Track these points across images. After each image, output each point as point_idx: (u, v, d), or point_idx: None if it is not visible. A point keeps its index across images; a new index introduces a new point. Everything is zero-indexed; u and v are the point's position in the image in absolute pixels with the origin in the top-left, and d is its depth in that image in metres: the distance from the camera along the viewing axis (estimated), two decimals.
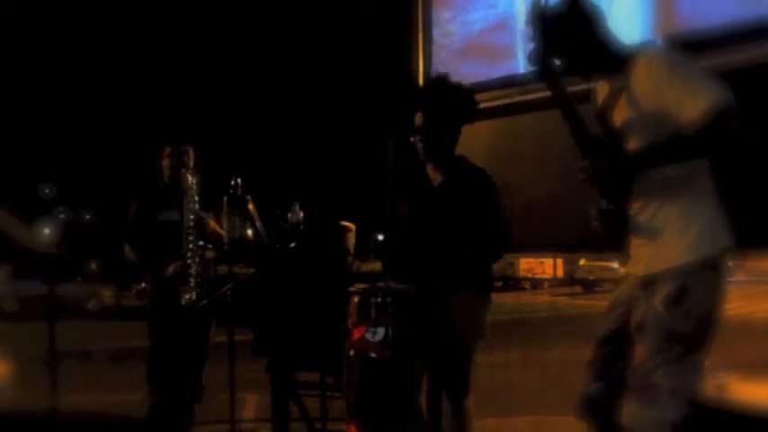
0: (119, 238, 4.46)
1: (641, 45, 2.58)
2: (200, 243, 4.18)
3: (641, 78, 2.43)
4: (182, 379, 4.19)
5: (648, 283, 2.48)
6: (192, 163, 4.34)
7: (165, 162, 4.37)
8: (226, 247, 4.33)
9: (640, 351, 2.47)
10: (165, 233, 4.22)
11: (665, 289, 2.42)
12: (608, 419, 2.56)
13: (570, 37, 2.54)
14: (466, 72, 5.18)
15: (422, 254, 3.49)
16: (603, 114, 2.57)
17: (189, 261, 4.14)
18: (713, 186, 2.50)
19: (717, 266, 2.44)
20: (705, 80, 2.33)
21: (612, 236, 2.56)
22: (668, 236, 2.45)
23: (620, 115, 2.52)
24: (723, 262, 2.46)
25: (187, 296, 4.09)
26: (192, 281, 4.12)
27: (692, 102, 2.29)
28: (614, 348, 2.62)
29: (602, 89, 2.66)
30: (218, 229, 4.27)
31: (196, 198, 4.21)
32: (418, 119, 3.52)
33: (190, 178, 4.22)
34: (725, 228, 2.48)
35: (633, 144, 2.45)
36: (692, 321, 2.40)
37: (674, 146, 2.38)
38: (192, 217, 4.18)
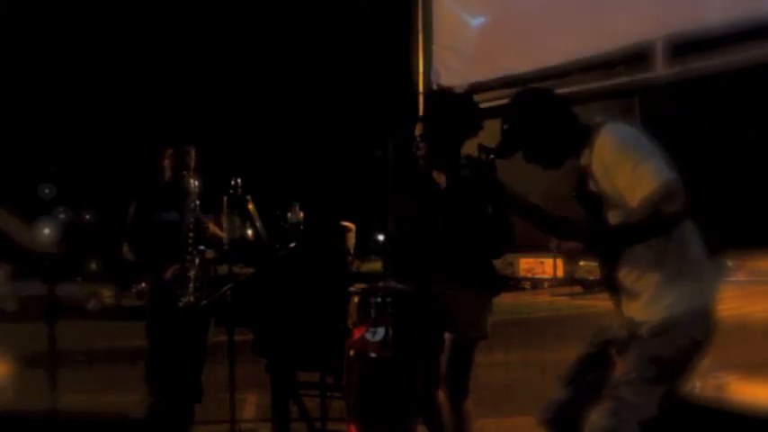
0: (118, 238, 4.45)
1: (598, 123, 2.59)
2: (201, 247, 4.17)
3: (597, 163, 2.51)
4: (181, 379, 4.19)
5: (637, 325, 2.56)
6: (193, 164, 4.33)
7: (167, 162, 4.36)
8: (226, 247, 4.32)
9: (618, 368, 2.55)
10: (164, 233, 4.22)
11: (650, 323, 2.51)
12: (568, 428, 2.58)
13: (538, 135, 2.66)
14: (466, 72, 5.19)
15: (428, 254, 3.50)
16: (580, 187, 2.64)
17: (188, 264, 4.13)
18: (698, 248, 2.55)
19: (704, 315, 2.51)
20: (649, 163, 2.38)
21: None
22: (653, 296, 2.52)
23: (594, 188, 2.59)
24: (710, 313, 2.52)
25: (185, 299, 4.06)
26: (191, 284, 4.10)
27: (638, 190, 2.37)
28: (592, 363, 2.69)
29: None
30: (217, 231, 4.26)
31: (197, 201, 4.20)
32: (419, 129, 3.52)
33: (191, 180, 4.21)
34: (709, 285, 2.56)
35: (611, 215, 2.53)
36: (674, 349, 2.47)
37: (622, 233, 2.47)
38: (192, 219, 4.17)
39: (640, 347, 2.50)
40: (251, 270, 4.29)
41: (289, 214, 4.23)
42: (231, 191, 4.09)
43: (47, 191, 19.89)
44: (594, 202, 2.56)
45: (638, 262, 2.53)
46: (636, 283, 2.56)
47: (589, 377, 2.65)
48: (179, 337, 4.14)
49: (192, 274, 4.11)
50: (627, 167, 2.40)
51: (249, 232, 4.29)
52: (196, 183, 4.20)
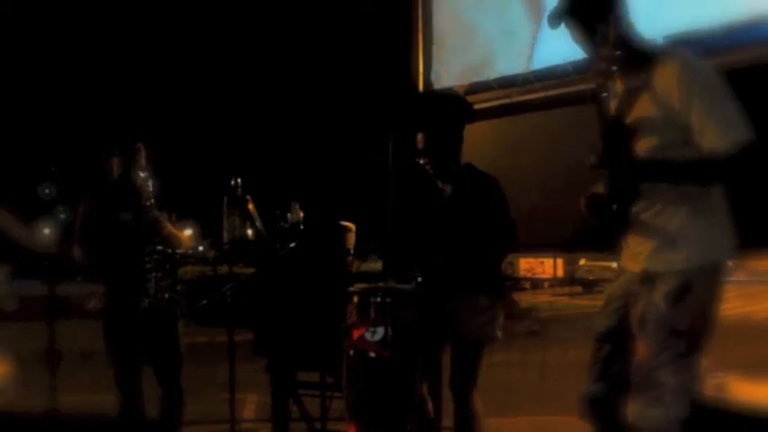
0: (69, 241, 4.26)
1: (669, 46, 2.53)
2: (159, 247, 4.02)
3: (669, 83, 2.37)
4: (160, 383, 4.08)
5: (648, 279, 2.48)
6: (144, 162, 4.08)
7: (115, 161, 4.18)
8: (226, 247, 4.30)
9: (642, 348, 2.47)
10: (117, 234, 4.05)
11: (666, 286, 2.43)
12: (611, 419, 2.57)
13: (600, 18, 2.48)
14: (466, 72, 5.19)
15: (435, 260, 3.50)
16: (620, 111, 2.51)
17: (148, 265, 4.00)
18: (723, 196, 2.48)
19: (716, 272, 2.45)
20: (734, 112, 2.32)
21: (602, 230, 2.56)
22: (671, 237, 2.44)
23: (635, 113, 2.47)
24: (722, 269, 2.46)
25: (147, 300, 3.95)
26: (152, 286, 3.98)
27: (720, 131, 2.30)
28: (613, 346, 2.63)
29: (612, 87, 2.59)
30: (173, 230, 4.09)
31: (152, 199, 4.02)
32: (420, 141, 3.52)
33: (142, 176, 4.02)
34: (727, 240, 2.48)
35: (644, 143, 2.43)
36: (691, 319, 2.41)
37: (695, 169, 2.38)
38: (148, 219, 3.99)
39: (662, 322, 2.41)
40: (251, 270, 4.29)
41: (289, 214, 4.23)
42: (231, 191, 4.07)
43: (47, 191, 19.88)
44: (622, 130, 2.45)
45: (662, 194, 2.43)
46: (656, 217, 2.45)
47: (616, 367, 2.60)
48: (142, 340, 4.01)
49: (152, 275, 3.98)
50: (708, 102, 2.31)
51: (249, 232, 4.28)
52: (149, 181, 4.01)
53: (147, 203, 3.93)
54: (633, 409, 2.45)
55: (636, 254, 2.54)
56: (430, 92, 3.58)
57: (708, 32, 3.77)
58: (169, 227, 4.03)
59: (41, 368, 4.20)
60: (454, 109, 3.64)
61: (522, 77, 4.80)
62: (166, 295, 3.99)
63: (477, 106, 4.83)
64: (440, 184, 3.56)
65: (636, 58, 2.47)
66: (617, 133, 2.47)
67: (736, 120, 2.31)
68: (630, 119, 2.47)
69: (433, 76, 5.28)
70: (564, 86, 4.41)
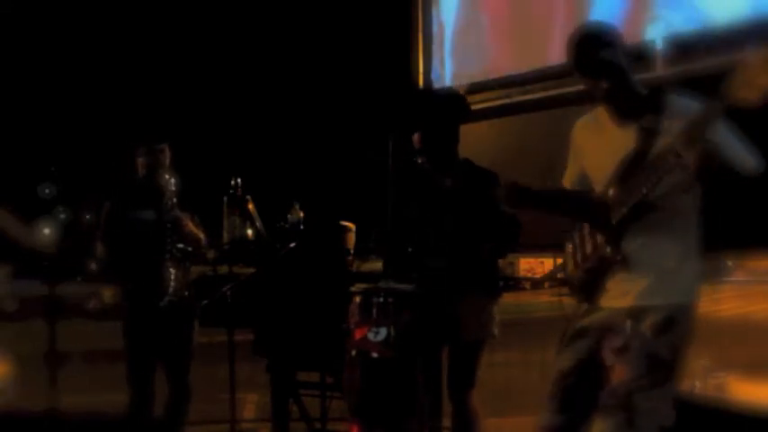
0: (93, 238, 4.33)
1: (665, 91, 2.57)
2: (179, 245, 4.08)
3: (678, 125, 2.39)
4: (169, 379, 4.12)
5: (637, 313, 2.53)
6: (167, 162, 4.22)
7: (141, 161, 4.25)
8: (226, 247, 4.31)
9: (621, 372, 2.52)
10: (140, 232, 4.11)
11: (654, 318, 2.49)
12: None
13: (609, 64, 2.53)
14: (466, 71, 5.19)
15: (432, 257, 3.49)
16: (641, 154, 2.52)
17: (168, 263, 4.05)
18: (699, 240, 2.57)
19: (694, 311, 2.54)
20: (742, 143, 2.42)
21: (590, 281, 2.65)
22: (666, 273, 2.52)
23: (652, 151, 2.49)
24: (695, 310, 2.55)
25: (167, 298, 3.99)
26: (172, 283, 4.02)
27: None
28: (577, 378, 2.65)
29: (612, 129, 2.62)
30: (194, 229, 4.15)
31: (174, 198, 4.09)
32: (417, 140, 3.52)
33: (167, 178, 4.10)
34: (701, 283, 2.58)
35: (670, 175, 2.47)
36: (673, 350, 2.49)
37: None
38: (170, 218, 4.06)
39: (646, 350, 2.47)
40: (251, 270, 4.29)
41: (289, 214, 4.23)
42: (231, 191, 4.08)
43: (47, 191, 19.87)
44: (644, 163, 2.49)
45: (659, 235, 2.50)
46: (653, 255, 2.51)
47: (578, 397, 2.62)
48: (159, 337, 4.05)
49: (172, 272, 4.03)
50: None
51: (249, 232, 4.28)
52: (172, 180, 4.09)
53: (170, 203, 4.01)
54: (602, 430, 2.48)
55: (625, 291, 2.57)
56: (426, 90, 3.59)
57: (708, 32, 3.76)
58: (190, 225, 4.11)
59: (41, 368, 4.21)
60: (449, 106, 3.65)
61: (522, 77, 4.79)
62: (186, 293, 4.04)
63: (477, 106, 4.82)
64: (438, 180, 3.56)
65: (643, 102, 2.54)
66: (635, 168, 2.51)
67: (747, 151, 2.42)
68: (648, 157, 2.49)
69: (433, 76, 5.29)
70: (564, 86, 4.41)
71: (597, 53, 2.52)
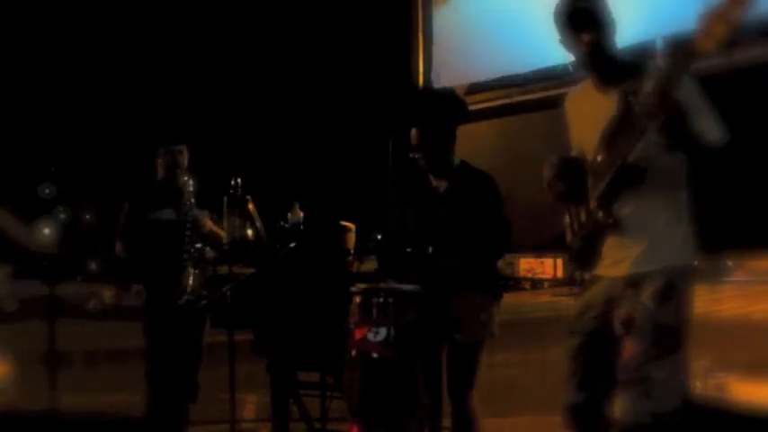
0: (112, 237, 4.41)
1: (645, 56, 2.59)
2: (198, 245, 4.16)
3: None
4: (179, 378, 4.18)
5: (634, 281, 2.53)
6: (186, 163, 4.30)
7: (160, 162, 4.33)
8: (226, 247, 4.32)
9: (630, 346, 2.50)
10: (160, 232, 4.20)
11: (653, 286, 2.49)
12: (595, 426, 2.58)
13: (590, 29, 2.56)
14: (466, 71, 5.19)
15: (429, 258, 3.50)
16: (623, 118, 2.54)
17: (186, 262, 4.13)
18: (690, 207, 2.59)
19: (691, 274, 2.55)
20: (711, 113, 2.43)
21: (586, 247, 2.66)
22: (658, 238, 2.52)
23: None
24: (693, 272, 2.55)
25: (186, 297, 4.06)
26: (191, 282, 4.10)
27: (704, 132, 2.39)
28: (592, 354, 2.65)
29: (597, 96, 2.66)
30: (214, 228, 4.24)
31: (192, 199, 4.18)
32: (414, 136, 3.53)
33: (186, 178, 4.18)
34: (695, 245, 2.59)
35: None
36: (677, 316, 2.48)
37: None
38: (189, 217, 4.15)
39: (650, 319, 2.47)
40: (251, 270, 4.29)
41: (289, 214, 4.24)
42: (231, 191, 4.08)
43: (47, 191, 19.88)
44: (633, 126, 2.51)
45: (648, 199, 2.52)
46: (643, 222, 2.52)
47: (596, 373, 2.62)
48: (177, 336, 4.12)
49: (191, 271, 4.11)
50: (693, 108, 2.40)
51: (249, 232, 4.28)
52: (191, 181, 4.18)
53: (188, 203, 4.06)
54: (622, 406, 2.47)
55: (618, 260, 2.58)
56: (424, 89, 3.61)
57: None
58: (209, 224, 4.18)
59: (41, 368, 4.21)
60: (447, 105, 3.66)
61: (522, 77, 4.80)
62: (204, 292, 4.09)
63: (477, 106, 4.84)
64: (433, 181, 3.56)
65: (625, 69, 2.56)
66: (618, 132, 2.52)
67: (715, 120, 2.43)
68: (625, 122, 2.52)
69: (433, 76, 5.29)
70: (564, 86, 4.41)
71: (579, 1, 2.57)
